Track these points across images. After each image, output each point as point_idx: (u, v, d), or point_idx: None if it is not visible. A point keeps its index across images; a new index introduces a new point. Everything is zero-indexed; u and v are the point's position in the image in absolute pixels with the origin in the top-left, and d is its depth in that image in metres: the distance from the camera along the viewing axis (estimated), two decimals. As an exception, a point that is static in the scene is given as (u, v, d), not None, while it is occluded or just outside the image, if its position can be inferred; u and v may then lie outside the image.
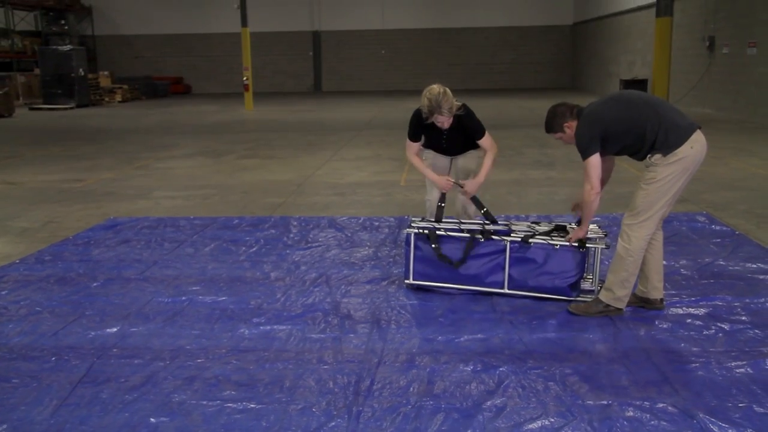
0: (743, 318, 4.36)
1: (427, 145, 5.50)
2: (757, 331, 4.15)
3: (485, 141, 5.30)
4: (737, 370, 3.65)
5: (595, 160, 4.24)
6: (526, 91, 31.68)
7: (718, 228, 6.48)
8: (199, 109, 23.89)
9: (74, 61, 25.12)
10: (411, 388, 3.55)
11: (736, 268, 5.34)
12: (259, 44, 32.00)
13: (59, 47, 26.39)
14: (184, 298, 4.93)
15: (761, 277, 5.11)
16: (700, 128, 4.23)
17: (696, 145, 4.14)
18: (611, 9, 27.01)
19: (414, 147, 5.45)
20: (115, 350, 4.08)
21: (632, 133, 4.18)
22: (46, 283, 5.31)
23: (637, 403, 3.33)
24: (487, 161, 5.28)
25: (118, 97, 28.02)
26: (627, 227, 4.27)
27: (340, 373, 3.73)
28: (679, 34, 20.65)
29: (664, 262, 5.37)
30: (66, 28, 33.30)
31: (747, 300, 4.65)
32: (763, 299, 4.65)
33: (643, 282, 4.51)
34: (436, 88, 5.03)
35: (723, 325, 4.25)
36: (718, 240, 6.09)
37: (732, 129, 14.57)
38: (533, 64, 34.61)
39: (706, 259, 5.55)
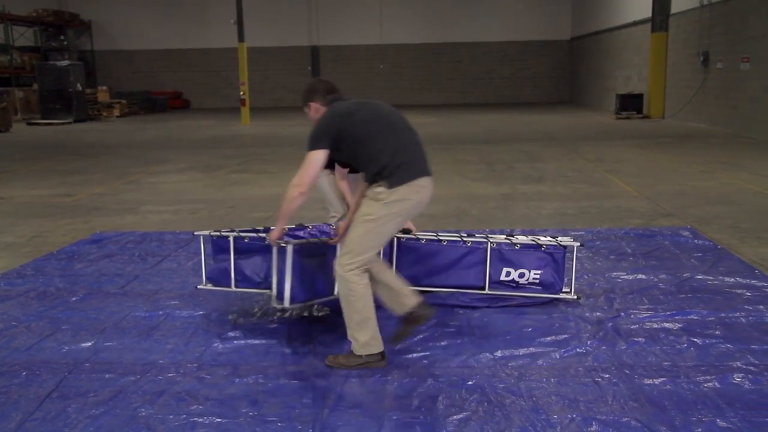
0: (717, 332, 4.35)
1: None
2: (729, 345, 4.15)
3: None
4: (705, 385, 3.64)
5: (318, 156, 3.81)
6: (524, 105, 31.78)
7: (700, 242, 6.48)
8: (195, 124, 23.97)
9: (72, 77, 25.23)
10: (378, 402, 3.55)
11: (715, 282, 5.33)
12: (257, 59, 32.21)
13: (58, 62, 26.53)
14: (161, 312, 4.94)
15: (738, 291, 5.10)
16: (431, 176, 3.97)
17: (423, 191, 3.88)
18: (608, 24, 27.15)
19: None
20: (87, 365, 4.08)
21: (367, 146, 3.85)
22: (26, 297, 5.31)
23: (602, 417, 3.32)
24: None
25: (117, 112, 28.10)
26: (343, 267, 3.84)
27: (310, 387, 3.73)
28: (674, 50, 20.77)
29: (644, 276, 5.45)
30: (65, 43, 33.50)
31: (722, 314, 4.64)
32: (737, 313, 4.65)
33: (393, 297, 4.06)
34: None
35: (695, 340, 4.24)
36: (700, 254, 6.09)
37: (725, 143, 14.58)
38: (531, 79, 34.77)
39: (686, 274, 5.55)
